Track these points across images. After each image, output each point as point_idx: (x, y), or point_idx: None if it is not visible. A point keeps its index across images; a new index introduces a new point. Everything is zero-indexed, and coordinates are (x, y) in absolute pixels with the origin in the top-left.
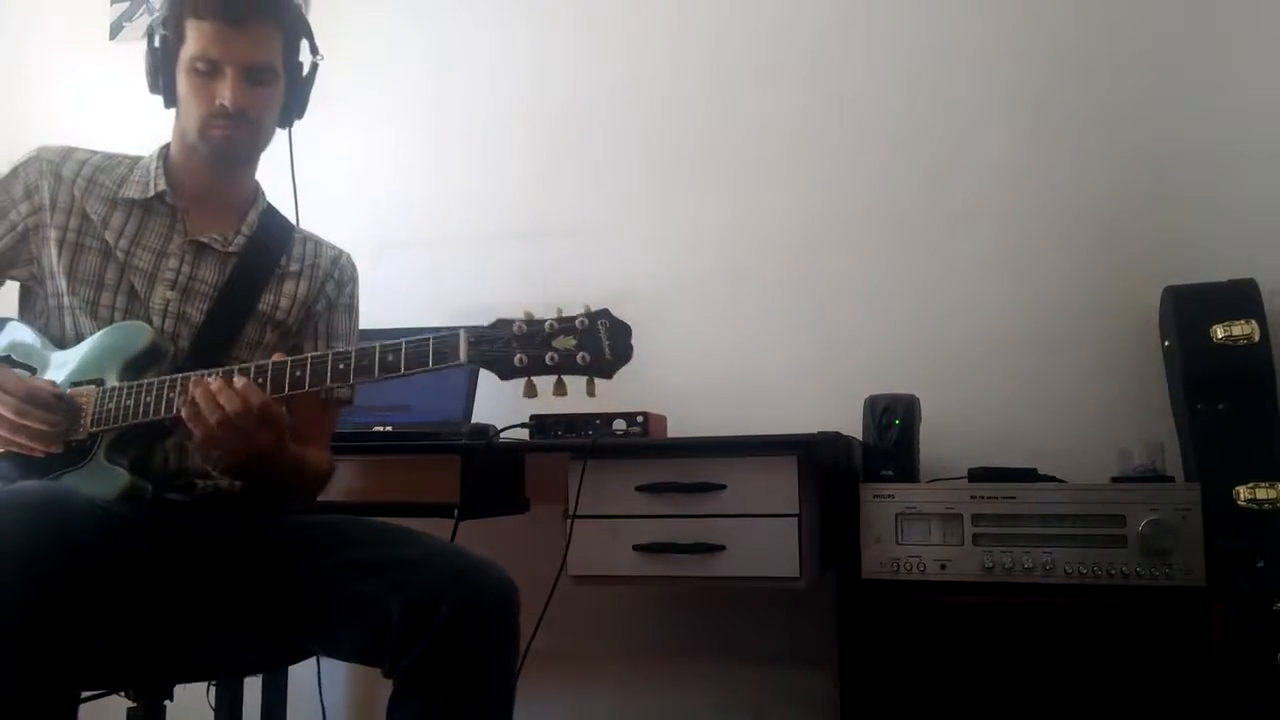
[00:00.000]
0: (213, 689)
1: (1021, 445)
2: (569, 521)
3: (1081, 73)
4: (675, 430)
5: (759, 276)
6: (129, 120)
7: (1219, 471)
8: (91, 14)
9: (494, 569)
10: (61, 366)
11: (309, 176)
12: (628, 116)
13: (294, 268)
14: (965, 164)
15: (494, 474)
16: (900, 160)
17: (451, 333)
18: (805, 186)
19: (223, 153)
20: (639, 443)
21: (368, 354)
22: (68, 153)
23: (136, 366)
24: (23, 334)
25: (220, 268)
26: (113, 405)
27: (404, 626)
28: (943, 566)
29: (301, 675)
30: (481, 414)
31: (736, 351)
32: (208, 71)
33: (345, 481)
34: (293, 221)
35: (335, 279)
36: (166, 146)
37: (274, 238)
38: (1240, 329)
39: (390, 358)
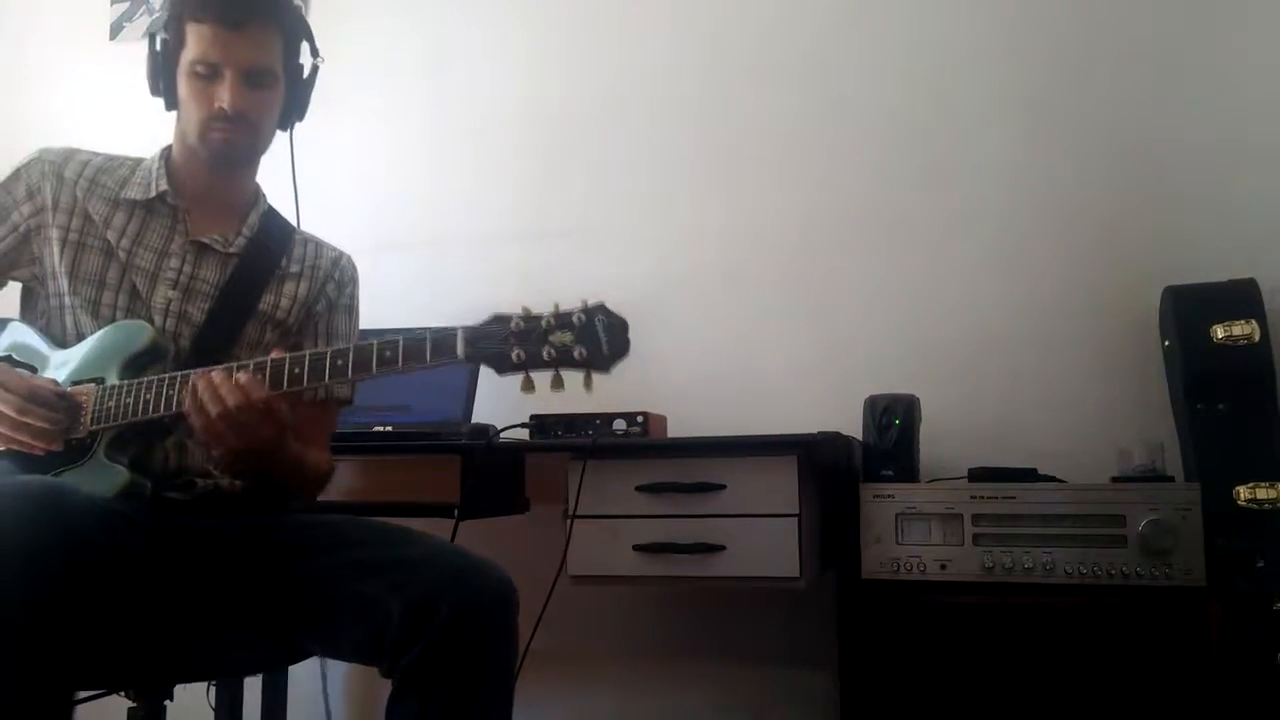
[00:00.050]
0: (213, 689)
1: (1021, 445)
2: (569, 521)
3: (1080, 72)
4: (675, 430)
5: (758, 276)
6: (129, 120)
7: (1219, 471)
8: (91, 14)
9: (494, 569)
10: (62, 365)
11: (309, 177)
12: (627, 117)
13: (294, 269)
14: (964, 163)
15: (494, 474)
16: (899, 160)
17: (449, 329)
18: (804, 186)
19: (222, 155)
20: (639, 443)
21: (365, 350)
22: (70, 154)
23: (137, 365)
24: (24, 334)
25: (221, 268)
26: (113, 403)
27: (404, 626)
28: (943, 566)
29: (302, 675)
30: (481, 414)
31: (736, 351)
32: (207, 74)
33: (345, 481)
34: (293, 223)
35: (335, 280)
36: (168, 148)
37: (275, 239)
38: (1240, 329)
39: (388, 353)
